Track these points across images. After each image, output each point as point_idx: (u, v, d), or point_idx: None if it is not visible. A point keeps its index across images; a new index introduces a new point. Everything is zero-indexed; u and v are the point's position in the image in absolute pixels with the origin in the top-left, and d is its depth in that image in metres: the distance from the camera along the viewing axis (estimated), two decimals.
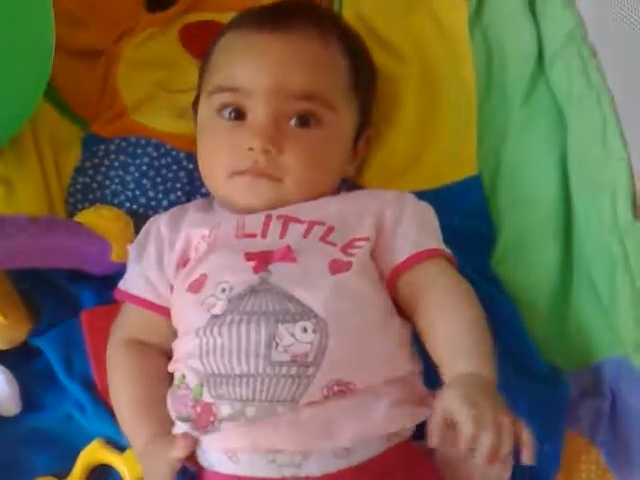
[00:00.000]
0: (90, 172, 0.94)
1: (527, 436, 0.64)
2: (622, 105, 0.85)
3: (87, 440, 0.79)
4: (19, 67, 0.83)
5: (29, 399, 0.82)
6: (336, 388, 0.70)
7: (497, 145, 0.94)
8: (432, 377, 0.74)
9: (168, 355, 0.79)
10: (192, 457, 0.73)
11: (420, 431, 0.71)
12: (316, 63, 0.83)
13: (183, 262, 0.80)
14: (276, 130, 0.80)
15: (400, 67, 0.97)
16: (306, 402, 0.69)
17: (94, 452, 0.79)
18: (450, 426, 0.64)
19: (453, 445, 0.64)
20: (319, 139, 0.82)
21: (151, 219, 0.86)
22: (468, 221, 0.90)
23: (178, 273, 0.80)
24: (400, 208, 0.81)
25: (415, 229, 0.79)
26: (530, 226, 0.89)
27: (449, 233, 0.82)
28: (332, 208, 0.81)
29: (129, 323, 0.82)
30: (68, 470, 0.78)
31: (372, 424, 0.70)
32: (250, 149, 0.79)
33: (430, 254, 0.78)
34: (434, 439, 0.64)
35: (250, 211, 0.81)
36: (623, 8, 0.90)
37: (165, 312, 0.80)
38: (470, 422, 0.62)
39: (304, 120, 0.81)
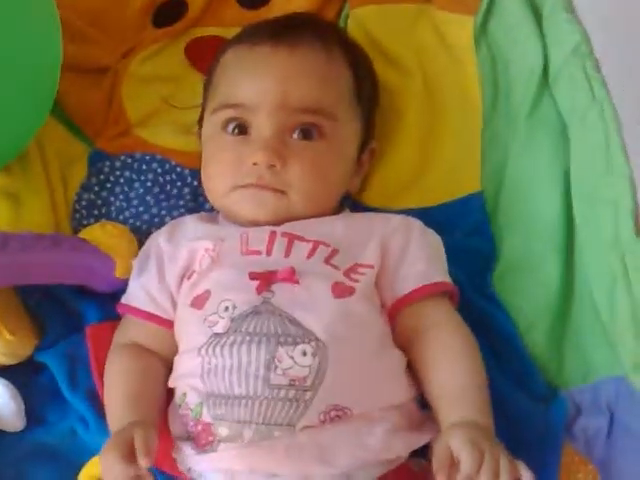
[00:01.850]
0: (95, 188, 0.95)
1: (528, 473, 0.65)
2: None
3: (90, 455, 0.80)
4: (26, 84, 0.84)
5: (33, 414, 0.82)
6: (333, 413, 0.70)
7: (501, 161, 0.93)
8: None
9: (167, 363, 0.79)
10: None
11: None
12: (319, 76, 0.84)
13: (188, 275, 0.81)
14: (280, 144, 0.80)
15: (404, 81, 0.97)
16: (303, 426, 0.70)
17: (97, 467, 0.79)
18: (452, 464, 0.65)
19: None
20: (323, 151, 0.82)
21: (151, 236, 0.87)
22: (470, 238, 0.90)
23: (182, 286, 0.81)
24: (407, 236, 0.80)
25: (421, 260, 0.79)
26: (532, 244, 0.88)
27: (450, 250, 0.82)
28: (337, 229, 0.81)
29: (130, 332, 0.82)
30: None
31: (368, 450, 0.70)
32: (255, 164, 0.80)
33: (435, 288, 0.78)
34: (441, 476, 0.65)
35: (255, 224, 0.81)
36: None
37: (165, 324, 0.81)
38: (471, 460, 0.64)
39: (307, 133, 0.82)
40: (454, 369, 0.74)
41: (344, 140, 0.85)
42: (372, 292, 0.77)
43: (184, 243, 0.83)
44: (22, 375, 0.83)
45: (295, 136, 0.82)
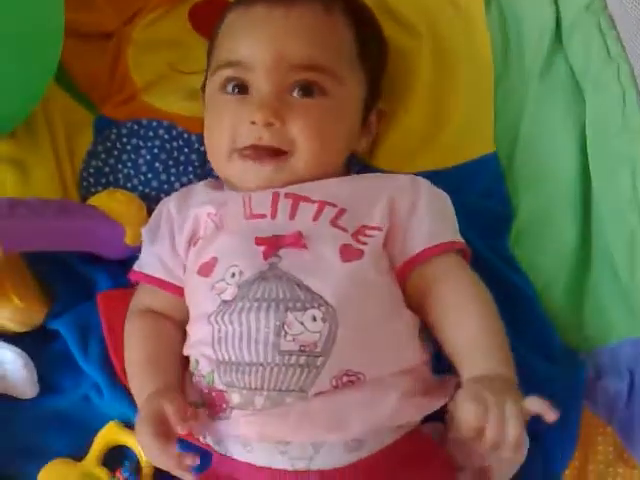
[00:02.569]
0: (102, 156, 0.93)
1: (537, 403, 0.64)
2: None
3: (104, 422, 0.80)
4: (29, 49, 0.83)
5: (46, 382, 0.82)
6: (345, 379, 0.69)
7: (514, 121, 0.92)
8: (442, 362, 0.74)
9: (183, 328, 0.78)
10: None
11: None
12: (316, 34, 0.82)
13: (194, 241, 0.80)
14: (279, 102, 0.79)
15: (413, 42, 0.95)
16: (315, 392, 0.69)
17: (111, 433, 0.79)
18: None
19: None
20: (324, 109, 0.80)
21: (161, 202, 0.86)
22: (484, 200, 0.89)
23: (189, 252, 0.80)
24: (414, 196, 0.79)
25: (430, 219, 0.77)
26: (547, 203, 0.87)
27: (465, 213, 0.81)
28: (344, 189, 0.79)
29: (145, 300, 0.82)
30: (85, 451, 0.79)
31: (381, 416, 0.69)
32: (253, 123, 0.78)
33: (445, 247, 0.77)
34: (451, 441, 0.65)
35: (258, 189, 0.79)
36: None
37: (179, 291, 0.80)
38: (471, 417, 0.63)
39: (307, 90, 0.80)
40: (464, 321, 0.72)
41: (346, 98, 0.83)
42: (381, 254, 0.76)
43: (191, 209, 0.82)
44: (34, 343, 0.83)
45: (295, 94, 0.80)
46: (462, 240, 0.78)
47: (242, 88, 0.81)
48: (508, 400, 0.64)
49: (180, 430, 0.68)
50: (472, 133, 0.92)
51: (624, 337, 0.81)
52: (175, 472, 0.70)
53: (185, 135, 0.93)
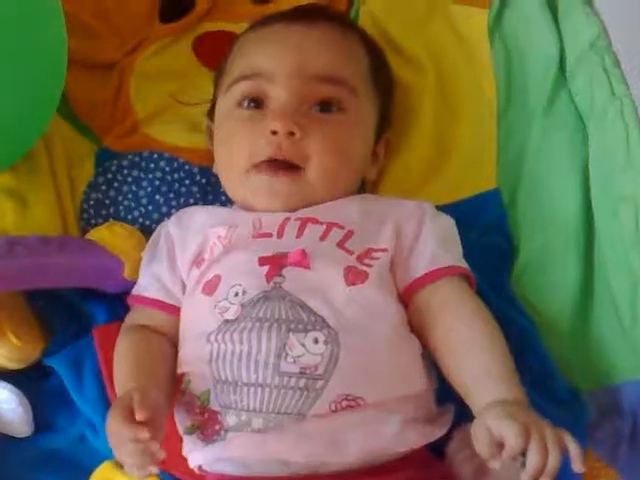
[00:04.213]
0: (103, 188, 0.93)
1: (574, 445, 0.62)
2: None
3: (99, 461, 0.78)
4: (32, 81, 0.82)
5: (42, 419, 0.81)
6: (345, 403, 0.68)
7: (517, 157, 0.91)
8: (443, 393, 0.74)
9: (176, 346, 0.77)
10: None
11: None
12: (337, 49, 0.83)
13: (197, 262, 0.79)
14: (299, 114, 0.78)
15: (417, 76, 0.95)
16: (312, 415, 0.68)
17: (105, 473, 0.78)
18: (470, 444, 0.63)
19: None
20: (342, 125, 0.80)
21: (160, 225, 0.86)
22: (486, 237, 0.88)
23: (191, 272, 0.79)
24: (420, 220, 0.78)
25: (433, 243, 0.77)
26: (550, 243, 0.86)
27: (466, 249, 0.80)
28: (352, 211, 0.78)
29: (140, 319, 0.81)
30: None
31: (381, 442, 0.68)
32: (273, 132, 0.77)
33: (448, 271, 0.76)
34: (494, 462, 0.61)
35: (272, 211, 0.79)
36: None
37: (177, 312, 0.79)
38: (516, 435, 0.61)
39: (326, 106, 0.80)
40: (470, 348, 0.71)
41: (363, 115, 0.83)
42: (386, 277, 0.75)
43: (197, 228, 0.81)
44: (30, 379, 0.82)
45: (314, 109, 0.79)
46: (466, 265, 0.77)
47: (258, 102, 0.80)
48: (547, 426, 0.62)
49: (139, 415, 0.65)
50: (474, 169, 0.91)
51: (627, 378, 0.80)
52: (141, 463, 0.66)
53: (186, 167, 0.93)
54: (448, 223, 0.80)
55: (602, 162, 0.84)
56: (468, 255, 0.80)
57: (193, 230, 0.81)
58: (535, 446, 0.61)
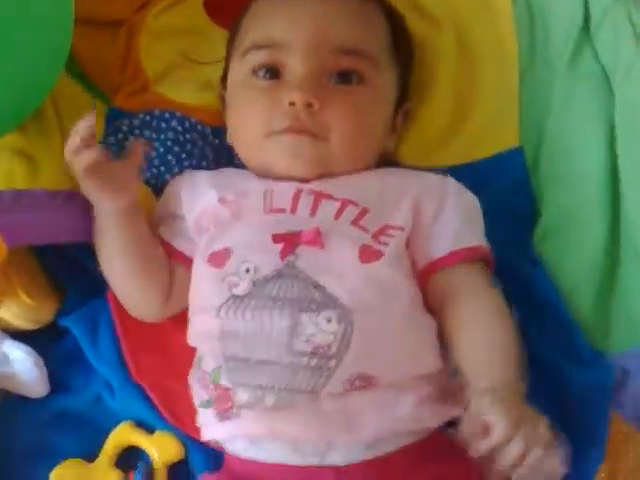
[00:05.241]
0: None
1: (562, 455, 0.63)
2: None
3: (116, 422, 0.78)
4: (39, 36, 0.80)
5: (57, 380, 0.80)
6: (358, 383, 0.68)
7: (540, 116, 0.89)
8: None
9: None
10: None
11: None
12: (358, 17, 0.80)
13: (206, 226, 0.78)
14: (317, 84, 0.76)
15: (436, 33, 0.93)
16: (326, 394, 0.67)
17: (123, 434, 0.78)
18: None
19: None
20: (362, 97, 0.78)
21: (170, 182, 0.85)
22: (509, 197, 0.86)
23: (200, 236, 0.78)
24: (442, 197, 0.77)
25: (457, 222, 0.76)
26: (575, 202, 0.85)
27: (489, 210, 0.79)
28: (369, 186, 0.77)
29: None
30: (97, 452, 0.77)
31: (396, 421, 0.68)
32: (291, 104, 0.75)
33: (470, 253, 0.75)
34: (473, 449, 0.62)
35: (291, 178, 0.77)
36: None
37: (185, 261, 0.79)
38: (502, 425, 0.61)
39: (346, 77, 0.78)
40: (480, 334, 0.71)
41: (383, 87, 0.81)
42: (402, 254, 0.74)
43: (203, 190, 0.80)
44: (45, 340, 0.81)
45: (332, 80, 0.77)
46: (488, 246, 0.76)
47: (274, 72, 0.78)
48: (542, 423, 0.63)
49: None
50: (496, 127, 0.89)
51: None
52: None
53: (199, 127, 0.91)
54: (472, 200, 0.79)
55: (629, 119, 0.83)
56: (490, 215, 0.79)
57: (201, 191, 0.80)
58: (520, 439, 0.61)
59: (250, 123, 0.79)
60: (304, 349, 0.68)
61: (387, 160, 0.87)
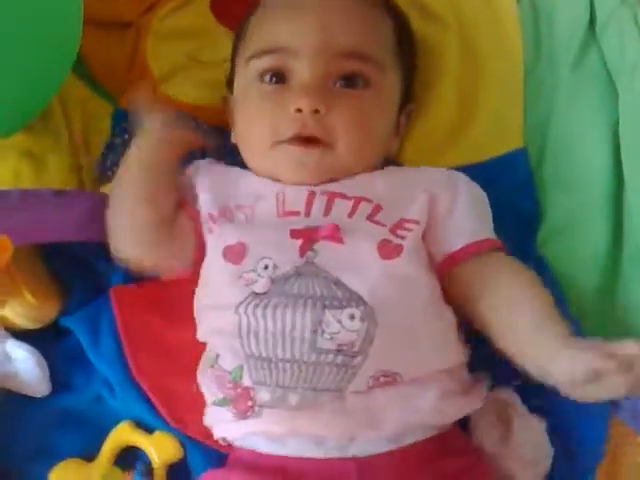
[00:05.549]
0: (120, 149, 0.91)
1: None
2: None
3: (116, 421, 0.78)
4: (47, 38, 0.81)
5: (59, 379, 0.81)
6: (382, 379, 0.68)
7: (544, 116, 0.89)
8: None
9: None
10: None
11: None
12: (362, 22, 0.80)
13: (219, 218, 0.77)
14: (322, 89, 0.76)
15: (440, 33, 0.92)
16: (351, 392, 0.67)
17: (123, 433, 0.78)
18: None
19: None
20: (368, 101, 0.78)
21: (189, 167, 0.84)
22: (512, 198, 0.85)
23: (213, 226, 0.77)
24: (454, 191, 0.77)
25: (470, 216, 0.76)
26: (578, 204, 0.84)
27: (493, 211, 0.78)
28: (378, 184, 0.77)
29: None
30: (96, 452, 0.77)
31: (418, 414, 0.68)
32: (298, 110, 0.75)
33: (485, 245, 0.75)
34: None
35: (299, 184, 0.77)
36: None
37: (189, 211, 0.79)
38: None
39: (351, 81, 0.78)
40: (527, 306, 0.70)
41: (389, 91, 0.81)
42: (419, 248, 0.74)
43: (218, 187, 0.80)
44: (47, 340, 0.81)
45: (338, 84, 0.77)
46: (497, 238, 0.76)
47: (280, 77, 0.78)
48: None
49: None
50: (501, 128, 0.89)
51: None
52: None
53: (205, 127, 0.91)
54: (481, 193, 0.79)
55: (633, 120, 0.82)
56: (494, 215, 0.78)
57: (212, 186, 0.80)
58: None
59: (257, 130, 0.79)
60: (329, 346, 0.67)
61: (390, 162, 0.86)
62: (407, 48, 0.86)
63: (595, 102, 0.86)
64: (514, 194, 0.86)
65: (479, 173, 0.83)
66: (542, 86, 0.89)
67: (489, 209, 0.78)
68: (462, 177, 0.79)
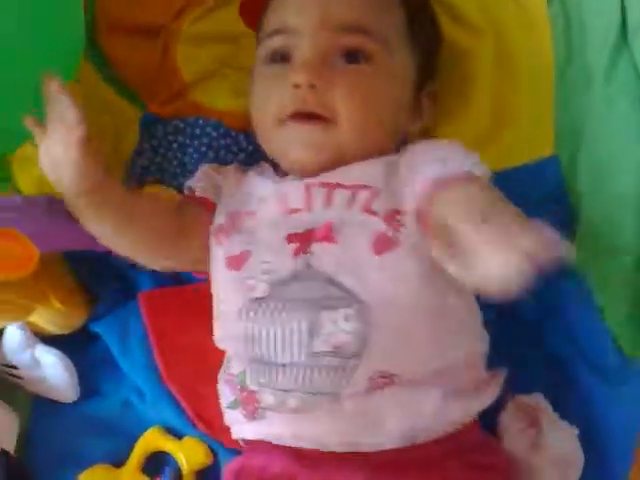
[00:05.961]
0: (149, 154, 0.92)
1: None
2: None
3: (144, 427, 0.79)
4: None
5: (87, 385, 0.81)
6: (380, 380, 0.66)
7: (576, 123, 0.87)
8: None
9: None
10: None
11: None
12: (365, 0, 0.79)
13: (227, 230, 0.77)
14: (322, 65, 0.75)
15: (474, 41, 0.91)
16: (348, 394, 0.66)
17: (152, 439, 0.78)
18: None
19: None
20: (369, 76, 0.76)
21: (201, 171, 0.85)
22: (544, 205, 0.84)
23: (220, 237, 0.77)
24: (413, 149, 0.75)
25: (431, 161, 0.71)
26: (612, 212, 0.82)
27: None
28: (379, 166, 0.74)
29: None
30: (125, 457, 0.78)
31: (421, 419, 0.67)
32: (296, 86, 0.74)
33: (463, 177, 0.69)
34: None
35: (302, 167, 0.76)
36: None
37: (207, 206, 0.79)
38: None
39: (352, 56, 0.76)
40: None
41: (393, 66, 0.79)
42: (418, 238, 0.69)
43: (233, 195, 0.80)
44: (76, 345, 0.82)
45: (339, 61, 0.76)
46: (482, 172, 0.70)
47: (285, 57, 0.78)
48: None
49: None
50: (532, 134, 0.87)
51: None
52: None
53: (233, 133, 0.91)
54: (445, 141, 0.77)
55: None
56: None
57: (228, 194, 0.80)
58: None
59: (263, 109, 0.78)
60: (324, 349, 0.67)
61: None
62: (423, 33, 0.83)
63: (629, 110, 0.84)
64: (546, 201, 0.85)
65: (510, 179, 0.82)
66: (573, 94, 0.88)
67: (459, 148, 0.74)
68: (423, 143, 0.77)
